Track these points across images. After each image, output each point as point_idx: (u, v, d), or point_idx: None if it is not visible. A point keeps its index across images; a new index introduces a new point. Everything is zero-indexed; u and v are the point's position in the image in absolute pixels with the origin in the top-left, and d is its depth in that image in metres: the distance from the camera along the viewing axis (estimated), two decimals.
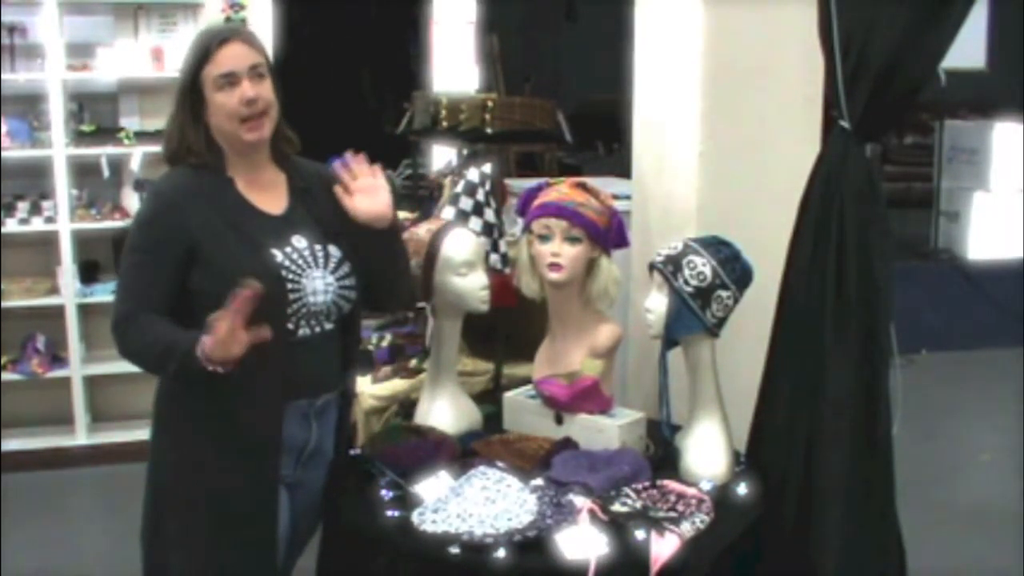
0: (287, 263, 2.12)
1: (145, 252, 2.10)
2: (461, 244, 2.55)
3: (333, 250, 2.20)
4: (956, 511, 4.26)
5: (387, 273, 2.29)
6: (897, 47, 2.24)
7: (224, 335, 1.90)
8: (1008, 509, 4.19)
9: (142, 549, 2.23)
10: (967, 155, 7.38)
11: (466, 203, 2.90)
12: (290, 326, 2.12)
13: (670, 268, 2.35)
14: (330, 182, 2.26)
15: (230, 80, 2.10)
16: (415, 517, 2.14)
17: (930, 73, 2.29)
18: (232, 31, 2.17)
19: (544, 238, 2.49)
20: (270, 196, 2.20)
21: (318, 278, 2.15)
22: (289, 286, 2.11)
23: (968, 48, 7.20)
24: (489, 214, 2.92)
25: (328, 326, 2.20)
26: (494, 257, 2.89)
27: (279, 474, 2.16)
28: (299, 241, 2.16)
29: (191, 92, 2.13)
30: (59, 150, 4.56)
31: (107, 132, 4.75)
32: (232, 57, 2.11)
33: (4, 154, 4.52)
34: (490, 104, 5.05)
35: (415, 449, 2.43)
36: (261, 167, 2.21)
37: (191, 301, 2.09)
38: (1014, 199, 7.14)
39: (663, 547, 2.03)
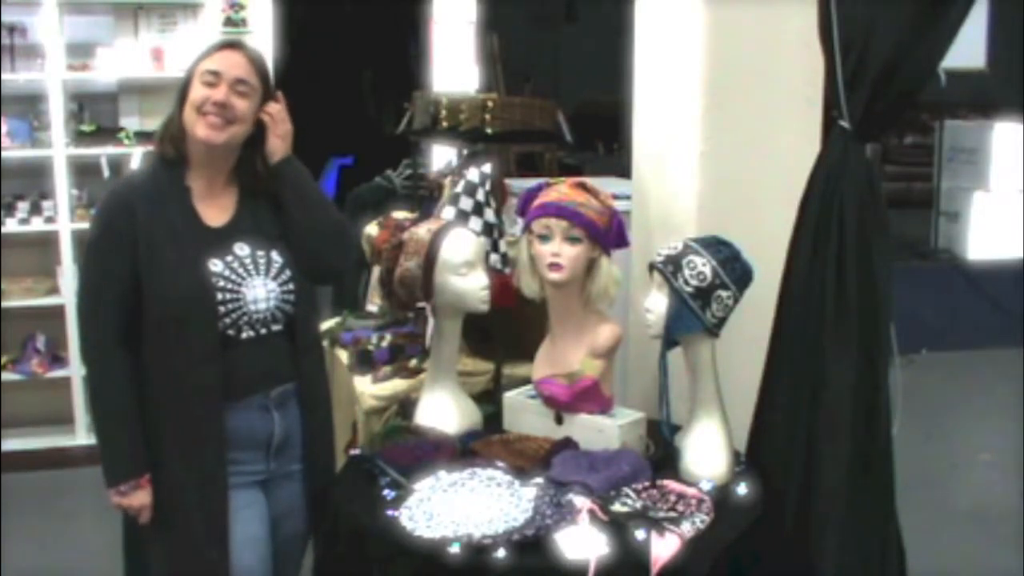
0: (227, 272, 2.18)
1: (104, 252, 2.17)
2: (461, 244, 2.55)
3: (275, 256, 2.26)
4: (956, 511, 4.26)
5: (305, 216, 2.29)
6: (897, 47, 2.24)
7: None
8: (1008, 509, 4.19)
9: (123, 554, 2.32)
10: (967, 155, 7.38)
11: (466, 203, 2.90)
12: (231, 332, 2.19)
13: (670, 268, 2.35)
14: (270, 186, 2.32)
15: (216, 77, 2.16)
16: (414, 518, 2.14)
17: (930, 73, 2.29)
18: (240, 44, 2.25)
19: (544, 238, 2.49)
20: (220, 206, 2.25)
21: (259, 286, 2.21)
22: (228, 296, 2.17)
23: (968, 48, 7.21)
24: (489, 214, 2.92)
25: (275, 327, 2.26)
26: (494, 257, 2.89)
27: (226, 472, 2.20)
28: (241, 249, 2.22)
29: (184, 85, 2.20)
30: (59, 150, 4.57)
31: (107, 132, 4.75)
32: (224, 60, 2.19)
33: (4, 154, 4.53)
34: (490, 104, 5.05)
35: (415, 449, 2.43)
36: (217, 180, 2.26)
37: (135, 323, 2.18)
38: (1014, 199, 7.14)
39: (663, 547, 2.03)
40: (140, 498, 2.16)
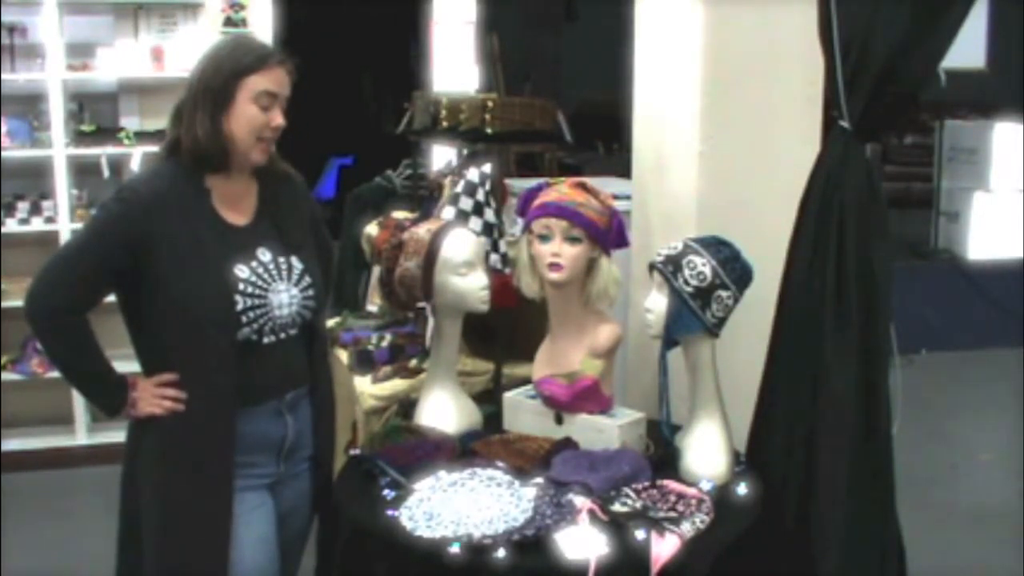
0: (253, 278, 2.16)
1: (102, 245, 2.14)
2: (461, 244, 2.55)
3: (295, 262, 2.25)
4: (956, 511, 4.26)
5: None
6: (897, 47, 2.24)
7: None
8: (1008, 509, 4.19)
9: (117, 549, 2.29)
10: (967, 155, 7.38)
11: (466, 203, 2.90)
12: (253, 337, 2.17)
13: (670, 268, 2.35)
14: (296, 192, 2.32)
15: (272, 100, 2.14)
16: (414, 518, 2.14)
17: (930, 73, 2.29)
18: (284, 59, 2.19)
19: (544, 238, 2.49)
20: (240, 206, 2.24)
21: (283, 291, 2.20)
22: (255, 301, 2.16)
23: (968, 48, 7.19)
24: (489, 214, 2.92)
25: (293, 332, 2.25)
26: (494, 257, 2.89)
27: (232, 477, 2.18)
28: (264, 254, 2.21)
29: (221, 91, 2.11)
30: (59, 150, 4.57)
31: (107, 132, 4.75)
32: (282, 81, 2.17)
33: (4, 154, 4.53)
34: (490, 104, 5.06)
35: (415, 449, 2.43)
36: (238, 180, 2.24)
37: (153, 328, 2.16)
38: (1014, 199, 7.14)
39: (663, 547, 2.03)
40: (148, 403, 2.15)
